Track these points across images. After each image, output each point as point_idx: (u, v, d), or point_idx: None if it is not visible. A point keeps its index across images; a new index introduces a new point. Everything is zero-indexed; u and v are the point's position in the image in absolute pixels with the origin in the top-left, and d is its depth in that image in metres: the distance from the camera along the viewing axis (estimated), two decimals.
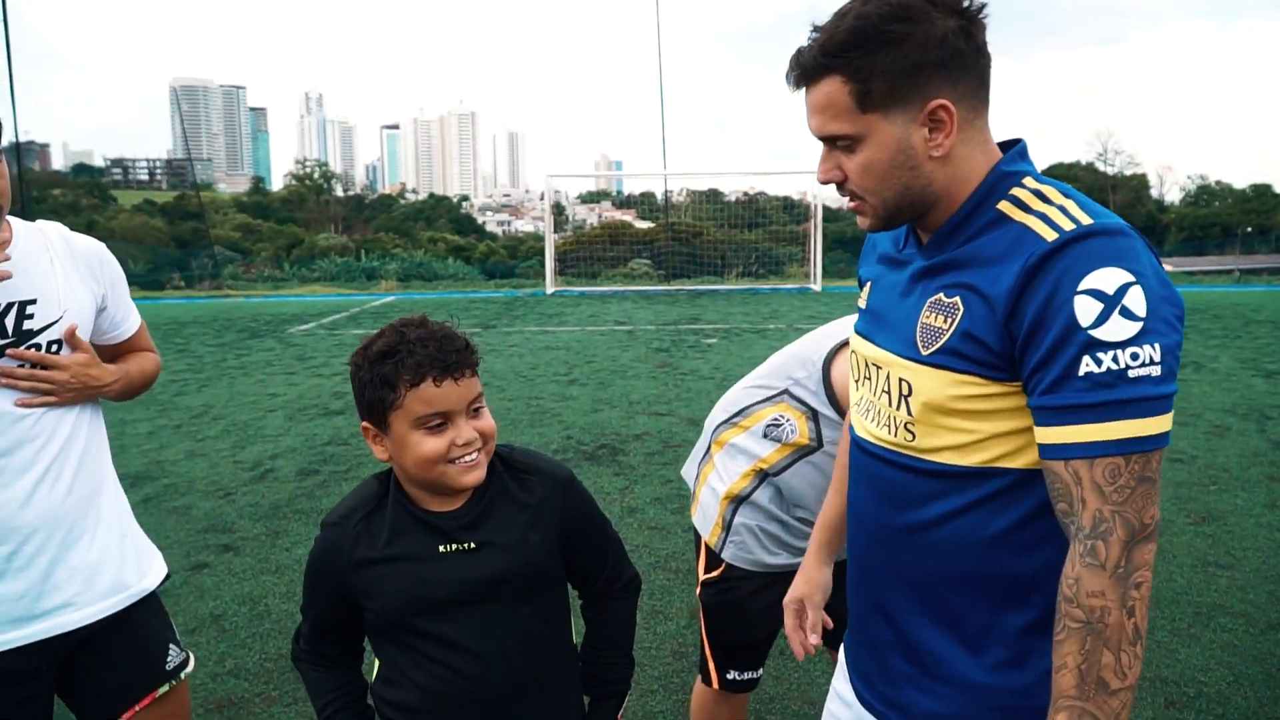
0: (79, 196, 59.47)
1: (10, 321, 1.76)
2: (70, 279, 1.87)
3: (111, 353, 2.05)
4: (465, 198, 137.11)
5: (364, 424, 1.57)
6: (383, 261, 30.52)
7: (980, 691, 1.35)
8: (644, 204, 45.56)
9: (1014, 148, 1.38)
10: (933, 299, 1.34)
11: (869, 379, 1.46)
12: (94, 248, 1.98)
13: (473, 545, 1.56)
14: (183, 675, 2.07)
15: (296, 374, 10.45)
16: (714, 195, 34.60)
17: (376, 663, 1.67)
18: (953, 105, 1.29)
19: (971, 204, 1.33)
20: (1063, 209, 1.26)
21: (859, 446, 1.50)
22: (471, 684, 1.55)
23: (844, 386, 2.15)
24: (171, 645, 2.07)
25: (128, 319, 2.06)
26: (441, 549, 1.55)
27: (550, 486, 1.63)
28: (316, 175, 74.49)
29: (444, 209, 78.96)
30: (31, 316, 1.79)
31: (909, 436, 1.37)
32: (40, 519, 1.81)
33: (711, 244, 25.63)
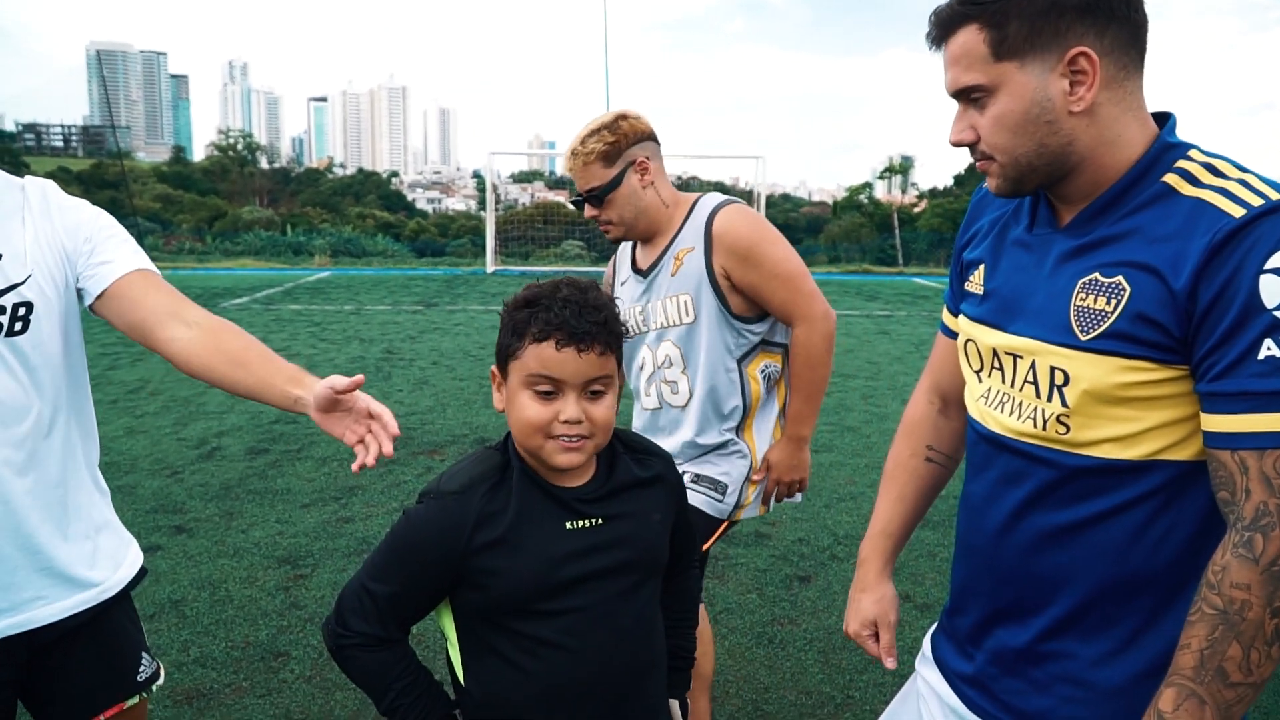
0: None
1: None
2: (41, 238, 1.68)
3: (117, 304, 1.70)
4: (395, 174, 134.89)
5: (493, 367, 1.48)
6: (310, 237, 29.78)
7: (1127, 698, 1.27)
8: None
9: (1168, 120, 1.29)
10: (1086, 279, 1.24)
11: (999, 369, 1.36)
12: (67, 203, 1.76)
13: (600, 521, 1.45)
14: (154, 688, 1.91)
15: None
16: None
17: (456, 656, 1.51)
18: (1096, 56, 1.20)
19: (1132, 176, 1.24)
20: (1244, 183, 1.17)
21: (990, 441, 1.38)
22: (590, 672, 1.43)
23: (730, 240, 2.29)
24: (144, 654, 1.90)
25: (115, 260, 1.71)
26: (569, 525, 1.43)
27: (665, 466, 1.57)
28: (240, 146, 72.49)
29: (373, 185, 77.53)
30: None
31: (1061, 430, 1.26)
32: (9, 507, 1.63)
33: None
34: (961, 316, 1.46)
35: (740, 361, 2.39)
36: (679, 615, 1.70)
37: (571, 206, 2.64)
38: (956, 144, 1.30)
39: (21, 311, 1.63)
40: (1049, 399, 1.27)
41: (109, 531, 1.85)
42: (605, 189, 2.35)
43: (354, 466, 1.55)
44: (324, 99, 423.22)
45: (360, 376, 1.53)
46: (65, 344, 1.74)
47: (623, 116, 2.36)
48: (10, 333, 1.62)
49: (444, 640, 1.55)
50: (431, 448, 6.26)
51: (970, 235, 1.51)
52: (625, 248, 2.63)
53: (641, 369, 2.53)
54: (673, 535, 1.60)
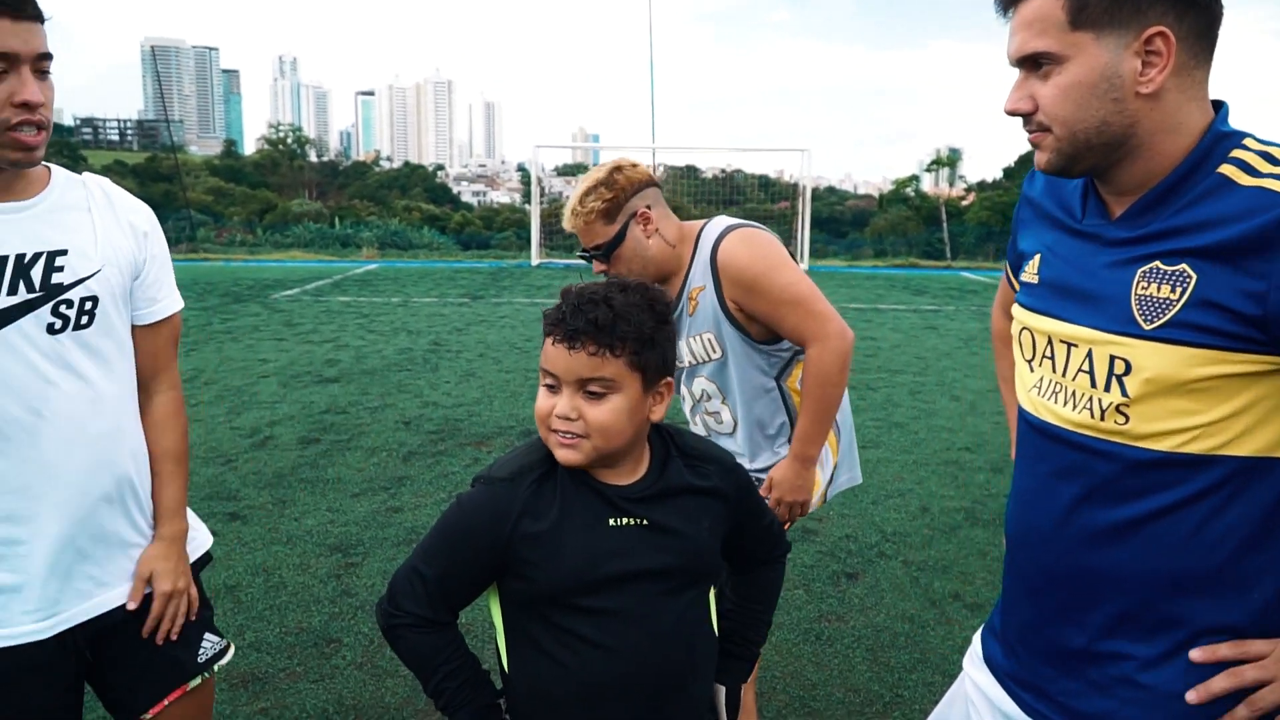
0: (47, 155, 58.18)
1: (38, 274, 1.60)
2: (110, 233, 1.71)
3: (140, 341, 1.81)
4: (440, 167, 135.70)
5: None
6: (357, 229, 30.07)
7: (1184, 700, 1.25)
8: None
9: (1221, 109, 1.26)
10: (1146, 268, 1.22)
11: (1051, 357, 1.34)
12: (139, 208, 1.81)
13: (645, 522, 1.45)
14: (216, 667, 1.92)
15: (286, 340, 10.23)
16: (691, 172, 34.42)
17: (502, 644, 1.54)
18: (1173, 38, 1.18)
19: (1187, 167, 1.22)
20: None
21: (1042, 433, 1.35)
22: (626, 671, 1.44)
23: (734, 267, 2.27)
24: (208, 633, 1.92)
25: (163, 299, 1.83)
26: (612, 522, 1.44)
27: (722, 474, 1.55)
28: (290, 140, 73.40)
29: (419, 178, 78.11)
30: (61, 269, 1.63)
31: (1120, 420, 1.23)
32: (72, 491, 1.67)
33: (687, 220, 25.50)
34: (1016, 305, 1.44)
35: (778, 379, 2.39)
36: (752, 606, 1.71)
37: (581, 260, 2.61)
38: (1012, 113, 1.27)
39: (88, 305, 1.66)
40: (1107, 389, 1.24)
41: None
42: (610, 245, 2.33)
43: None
44: (371, 93, 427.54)
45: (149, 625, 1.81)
46: (128, 335, 1.78)
47: (618, 169, 2.34)
48: (78, 326, 1.65)
49: (493, 630, 1.57)
50: (478, 439, 6.31)
51: (1022, 224, 1.49)
52: None
53: (684, 402, 2.56)
54: (743, 536, 1.61)
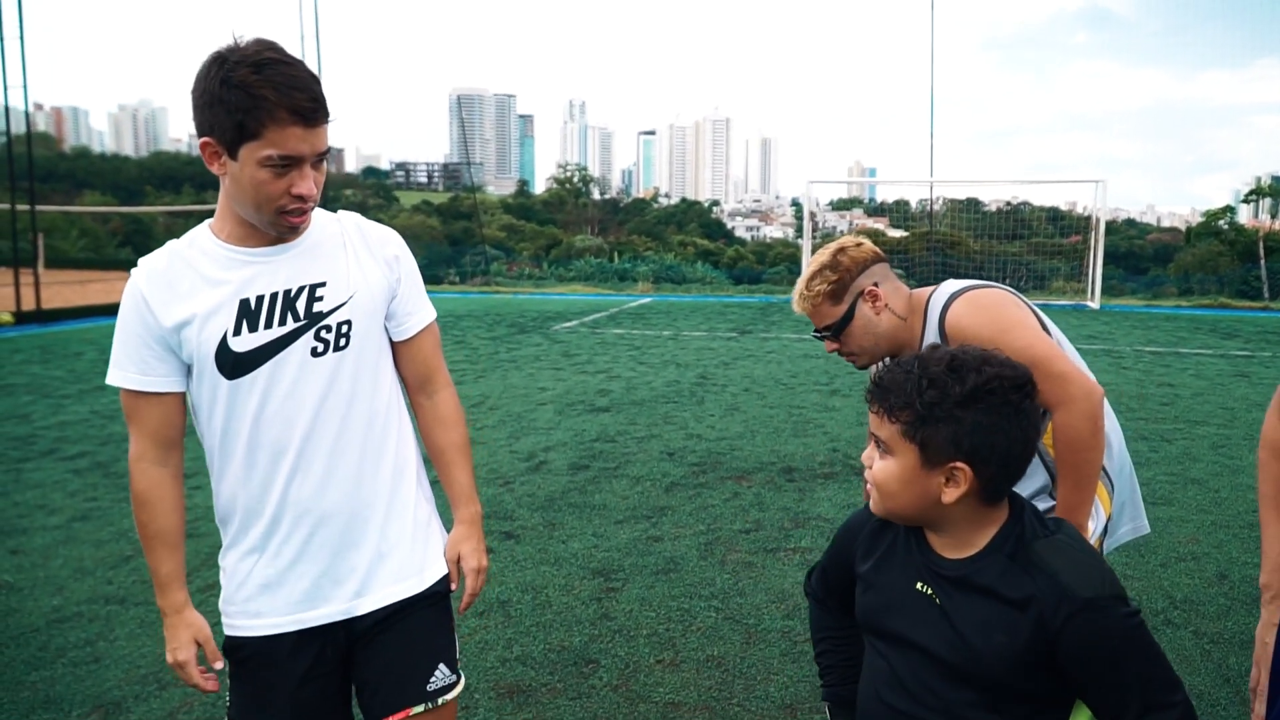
0: (367, 196, 64.97)
1: (302, 305, 1.80)
2: (362, 263, 1.89)
3: (404, 354, 1.99)
4: (716, 202, 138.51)
5: None
6: (635, 264, 31.23)
7: None
8: (896, 212, 44.25)
9: None
10: None
11: None
12: (388, 236, 1.98)
13: (938, 602, 1.46)
14: (441, 700, 1.92)
15: (563, 369, 10.82)
16: (973, 205, 33.06)
17: None
18: None
19: None
20: None
21: None
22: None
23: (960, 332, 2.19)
24: (443, 664, 1.94)
25: (417, 312, 1.99)
26: (919, 586, 1.49)
27: (1054, 602, 1.37)
28: (576, 179, 77.48)
29: (695, 213, 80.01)
30: (321, 299, 1.82)
31: None
32: (341, 502, 1.84)
33: (967, 255, 24.48)
34: None
35: None
36: None
37: (818, 339, 2.58)
38: None
39: (345, 329, 1.83)
40: None
41: (428, 531, 1.99)
42: (839, 325, 2.35)
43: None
44: (652, 132, 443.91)
45: (466, 600, 2.05)
46: (384, 353, 1.94)
47: (841, 250, 2.35)
48: (337, 348, 1.83)
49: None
50: (738, 474, 6.38)
51: None
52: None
53: None
54: (1085, 691, 1.40)
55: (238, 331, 1.76)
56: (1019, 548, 1.42)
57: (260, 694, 1.87)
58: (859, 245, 2.37)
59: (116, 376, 1.80)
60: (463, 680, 2.00)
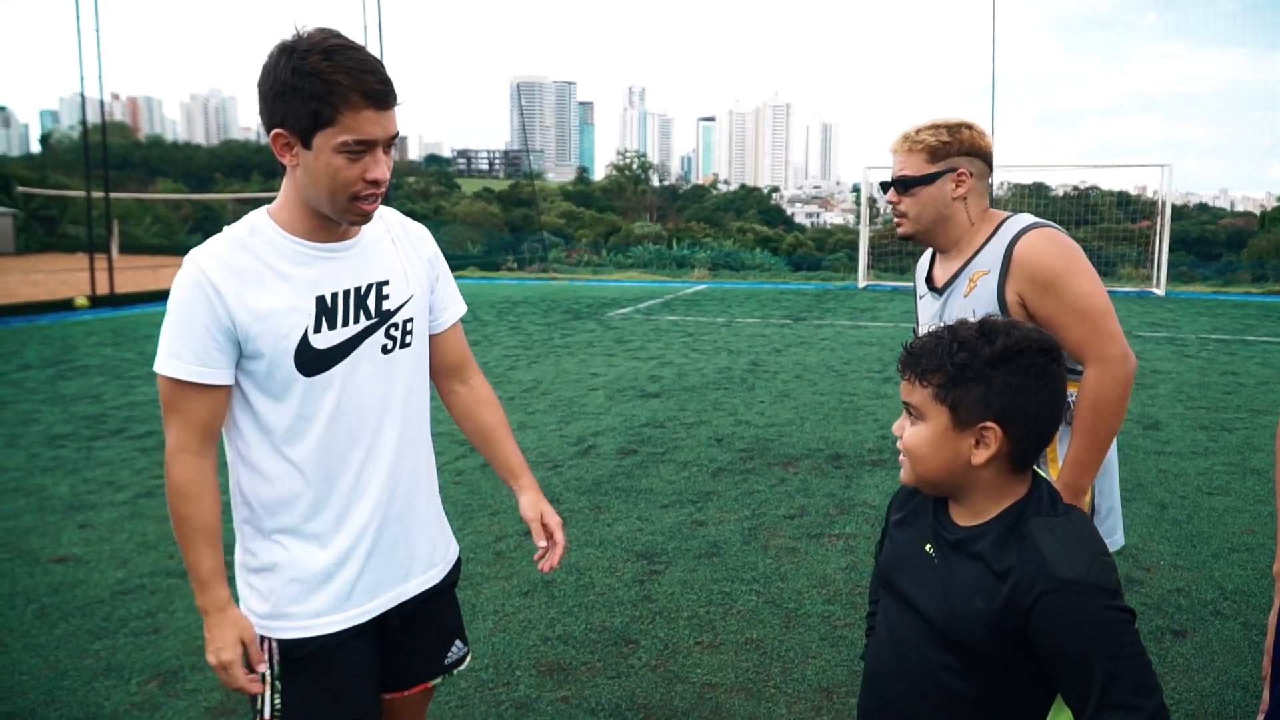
0: (429, 184, 65.53)
1: (372, 303, 1.83)
2: (411, 260, 1.93)
3: (439, 345, 2.05)
4: (775, 189, 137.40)
5: None
6: (693, 250, 31.14)
7: None
8: None
9: None
10: None
11: None
12: (425, 234, 2.03)
13: (937, 563, 1.52)
14: (455, 672, 2.09)
15: (615, 356, 10.89)
16: (1039, 189, 32.31)
17: None
18: None
19: None
20: None
21: None
22: (874, 674, 1.60)
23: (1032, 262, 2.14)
24: (458, 639, 2.09)
25: (451, 305, 2.06)
26: (927, 547, 1.55)
27: (1030, 576, 1.39)
28: (635, 166, 77.47)
29: (754, 200, 79.49)
30: (388, 297, 1.85)
31: None
32: (401, 490, 1.90)
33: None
34: None
35: None
36: None
37: (878, 187, 2.53)
38: None
39: (410, 326, 1.89)
40: None
41: (444, 522, 2.10)
42: (916, 181, 2.27)
43: (542, 567, 2.08)
44: (712, 118, 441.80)
45: (558, 554, 2.10)
46: (427, 352, 2.01)
47: (968, 126, 2.28)
48: (403, 345, 1.89)
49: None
50: (786, 460, 6.39)
51: None
52: (923, 262, 2.53)
53: None
54: (1056, 677, 1.40)
55: (318, 329, 1.76)
56: (1018, 521, 1.45)
57: (322, 696, 1.84)
58: (984, 134, 2.31)
59: (170, 366, 1.73)
60: (470, 651, 2.17)
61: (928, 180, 2.27)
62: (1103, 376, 2.08)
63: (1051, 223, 2.26)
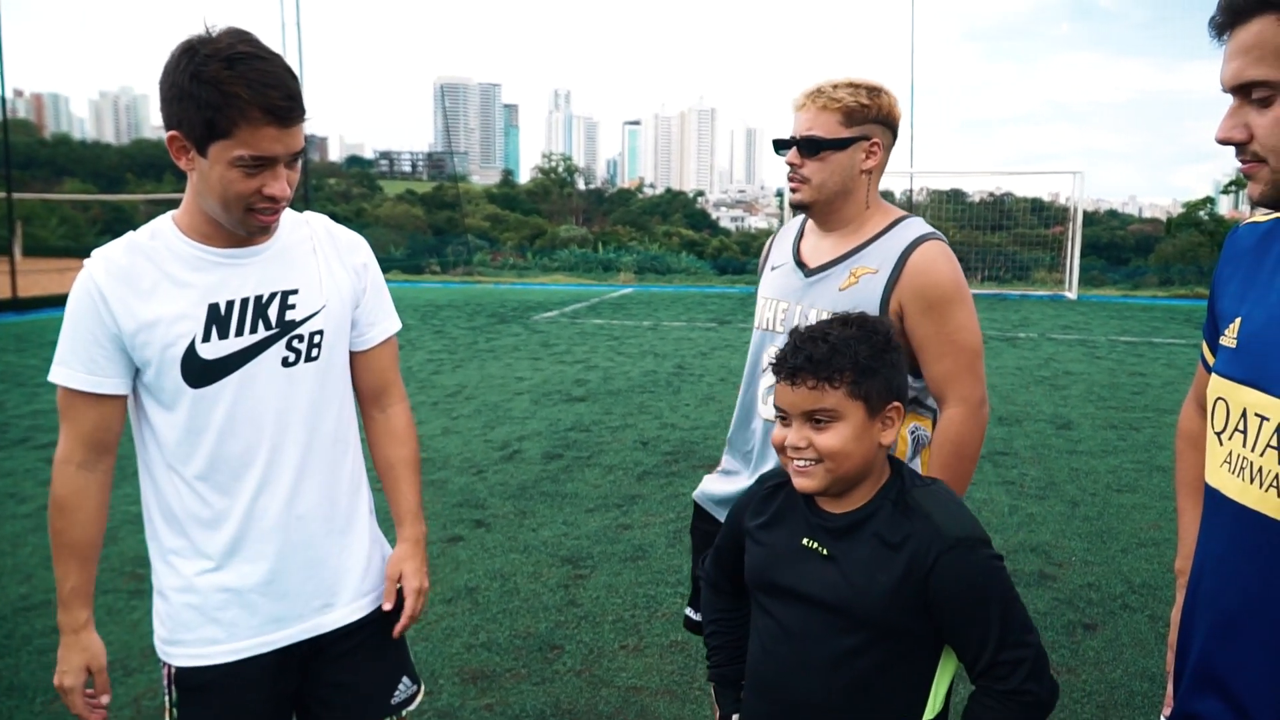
0: (350, 185, 64.46)
1: (274, 312, 1.72)
2: (333, 271, 1.82)
3: (361, 365, 1.91)
4: (700, 193, 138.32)
5: None
6: (618, 254, 31.17)
7: None
8: None
9: None
10: None
11: (1243, 431, 1.24)
12: (357, 242, 1.90)
13: (825, 552, 1.54)
14: (405, 712, 1.92)
15: (541, 359, 10.84)
16: (956, 196, 33.06)
17: None
18: None
19: None
20: None
21: (1230, 512, 1.26)
22: (775, 677, 1.57)
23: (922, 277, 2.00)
24: (405, 677, 1.94)
25: (379, 322, 1.92)
26: (805, 541, 1.56)
27: (927, 541, 1.47)
28: (561, 169, 77.31)
29: (679, 204, 79.88)
30: (293, 307, 1.74)
31: None
32: (304, 515, 1.78)
33: (952, 246, 24.56)
34: (1213, 375, 1.34)
35: None
36: None
37: (772, 145, 2.17)
38: (1224, 141, 1.20)
39: (317, 339, 1.77)
40: None
41: (378, 548, 1.95)
42: (827, 144, 2.02)
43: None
44: (637, 122, 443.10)
45: (403, 622, 1.88)
46: (347, 365, 1.87)
47: (886, 91, 2.06)
48: (309, 358, 1.76)
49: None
50: (711, 463, 6.42)
51: (1225, 282, 1.38)
52: (788, 233, 2.29)
53: (764, 374, 2.18)
54: (953, 634, 1.50)
55: (207, 338, 1.67)
56: (900, 495, 1.53)
57: None
58: (898, 104, 2.09)
59: (61, 374, 1.69)
60: (422, 687, 2.00)
61: (840, 145, 2.03)
62: (967, 418, 1.98)
63: (944, 237, 2.13)
